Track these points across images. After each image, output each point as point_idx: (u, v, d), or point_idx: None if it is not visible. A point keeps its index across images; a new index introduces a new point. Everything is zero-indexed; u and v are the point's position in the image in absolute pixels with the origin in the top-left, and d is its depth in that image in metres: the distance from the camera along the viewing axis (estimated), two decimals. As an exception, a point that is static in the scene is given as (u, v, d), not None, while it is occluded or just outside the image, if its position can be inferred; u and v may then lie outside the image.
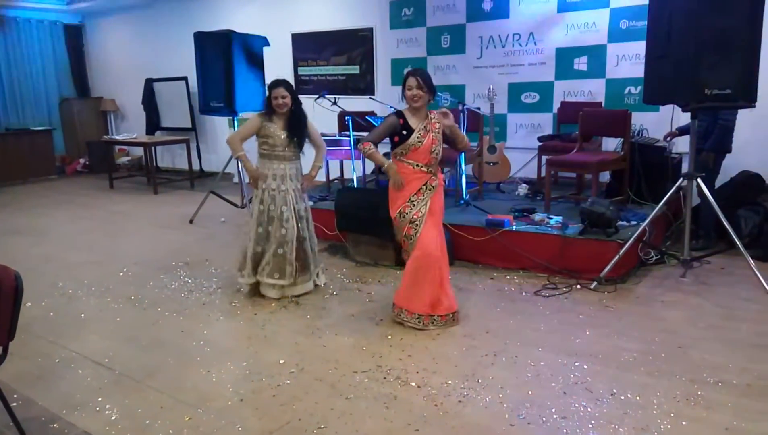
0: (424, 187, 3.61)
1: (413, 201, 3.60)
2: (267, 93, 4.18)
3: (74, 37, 11.33)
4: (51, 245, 5.93)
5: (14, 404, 2.74)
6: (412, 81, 3.51)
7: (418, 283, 3.60)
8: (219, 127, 9.36)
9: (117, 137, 10.01)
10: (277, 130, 4.12)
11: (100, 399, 2.94)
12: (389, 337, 3.55)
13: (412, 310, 3.64)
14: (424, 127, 3.58)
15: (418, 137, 3.56)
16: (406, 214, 3.61)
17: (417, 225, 3.60)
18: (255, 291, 4.29)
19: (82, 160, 10.99)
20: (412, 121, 3.58)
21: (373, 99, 7.03)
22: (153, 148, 9.44)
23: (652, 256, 4.66)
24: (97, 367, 3.30)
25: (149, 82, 10.16)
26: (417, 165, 3.59)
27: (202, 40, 6.18)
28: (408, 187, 3.61)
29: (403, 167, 3.61)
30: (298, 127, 4.17)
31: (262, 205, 4.17)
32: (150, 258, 5.31)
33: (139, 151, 10.57)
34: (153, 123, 10.33)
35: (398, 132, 3.58)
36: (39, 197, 8.69)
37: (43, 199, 8.49)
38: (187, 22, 9.05)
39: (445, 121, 3.62)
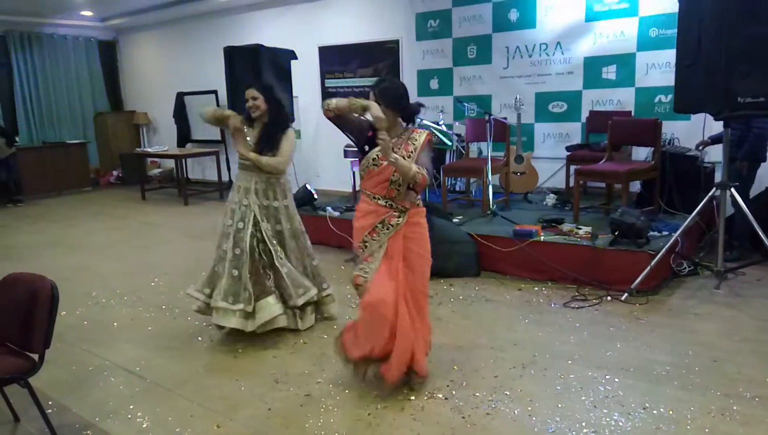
0: (380, 226, 2.87)
1: (366, 242, 2.91)
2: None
3: (108, 52, 11.68)
4: (85, 255, 6.07)
5: (49, 411, 2.81)
6: (370, 95, 2.86)
7: (364, 338, 2.90)
8: (247, 139, 9.49)
9: (149, 150, 10.24)
10: (247, 137, 3.67)
11: (131, 407, 2.99)
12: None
13: (349, 355, 2.97)
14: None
15: (374, 158, 2.85)
16: (357, 256, 2.96)
17: (366, 273, 2.90)
18: (206, 313, 3.77)
19: (115, 172, 11.26)
20: None
21: (399, 110, 7.04)
22: (184, 160, 9.63)
23: (685, 268, 4.57)
24: (129, 375, 3.37)
25: (180, 96, 10.38)
26: (373, 197, 2.90)
27: (232, 54, 6.29)
28: (362, 223, 2.93)
29: (362, 198, 2.96)
30: (267, 139, 3.63)
31: (225, 219, 3.71)
32: (180, 268, 5.40)
33: (170, 163, 10.79)
34: (184, 135, 10.53)
35: (364, 140, 2.91)
36: (73, 209, 8.92)
37: (77, 211, 8.71)
38: (216, 37, 9.24)
39: (384, 155, 2.74)
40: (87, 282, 5.11)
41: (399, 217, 2.88)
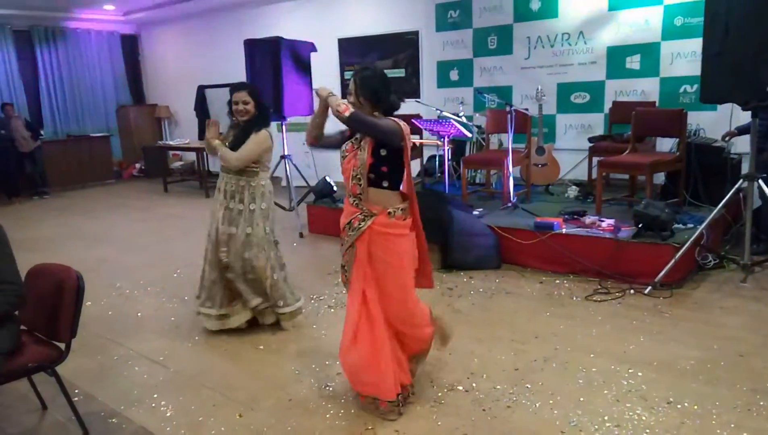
0: (348, 226, 2.72)
1: (343, 240, 2.78)
2: (230, 99, 3.65)
3: (130, 46, 11.80)
4: (109, 247, 6.17)
5: (76, 399, 2.86)
6: (350, 83, 2.68)
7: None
8: (268, 131, 9.53)
9: (171, 142, 10.35)
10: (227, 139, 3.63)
11: (155, 395, 3.04)
12: (435, 339, 3.53)
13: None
14: (358, 138, 2.69)
15: (344, 148, 2.74)
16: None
17: (346, 271, 2.81)
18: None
19: (138, 165, 11.40)
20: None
21: (419, 102, 7.02)
22: (205, 152, 9.68)
23: (710, 261, 4.50)
24: (152, 364, 3.42)
25: (201, 89, 10.42)
26: (348, 194, 2.73)
27: (252, 47, 6.31)
28: (342, 220, 2.79)
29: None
30: (239, 139, 3.58)
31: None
32: (202, 259, 5.44)
33: (191, 156, 10.87)
34: (204, 128, 10.59)
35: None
36: (98, 201, 9.05)
37: (101, 203, 8.84)
38: (237, 30, 9.27)
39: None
40: (111, 273, 5.19)
41: (363, 220, 2.65)
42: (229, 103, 3.60)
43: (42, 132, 9.88)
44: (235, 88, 3.59)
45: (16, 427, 2.81)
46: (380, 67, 2.89)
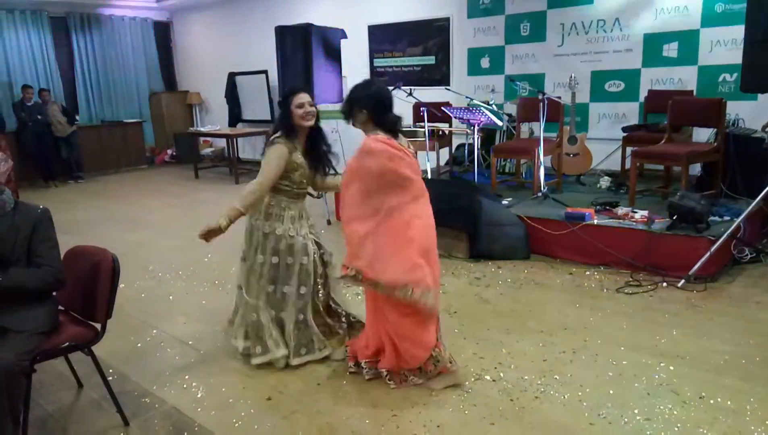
0: None
1: None
2: (285, 106, 3.03)
3: (163, 33, 11.93)
4: (142, 231, 6.29)
5: (110, 378, 2.93)
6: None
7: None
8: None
9: (202, 129, 10.47)
10: (302, 159, 3.09)
11: (187, 377, 3.10)
12: (463, 328, 3.53)
13: None
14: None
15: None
16: None
17: None
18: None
19: (169, 151, 11.57)
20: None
21: (448, 89, 6.97)
22: (235, 139, 9.79)
23: (747, 254, 4.38)
24: (183, 346, 3.48)
25: (232, 76, 10.53)
26: None
27: (283, 33, 6.33)
28: None
29: None
30: (318, 148, 3.16)
31: (276, 257, 3.11)
32: (232, 244, 5.47)
33: (221, 143, 11.01)
34: (235, 115, 10.71)
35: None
36: (131, 186, 9.23)
37: (134, 188, 9.01)
38: (268, 17, 9.31)
39: None
40: (144, 256, 5.29)
41: None
42: (287, 110, 3.02)
43: (77, 117, 10.10)
44: (294, 90, 3.07)
45: (53, 404, 2.90)
46: (373, 83, 2.94)
